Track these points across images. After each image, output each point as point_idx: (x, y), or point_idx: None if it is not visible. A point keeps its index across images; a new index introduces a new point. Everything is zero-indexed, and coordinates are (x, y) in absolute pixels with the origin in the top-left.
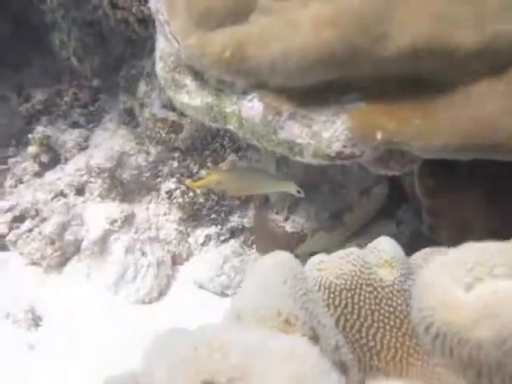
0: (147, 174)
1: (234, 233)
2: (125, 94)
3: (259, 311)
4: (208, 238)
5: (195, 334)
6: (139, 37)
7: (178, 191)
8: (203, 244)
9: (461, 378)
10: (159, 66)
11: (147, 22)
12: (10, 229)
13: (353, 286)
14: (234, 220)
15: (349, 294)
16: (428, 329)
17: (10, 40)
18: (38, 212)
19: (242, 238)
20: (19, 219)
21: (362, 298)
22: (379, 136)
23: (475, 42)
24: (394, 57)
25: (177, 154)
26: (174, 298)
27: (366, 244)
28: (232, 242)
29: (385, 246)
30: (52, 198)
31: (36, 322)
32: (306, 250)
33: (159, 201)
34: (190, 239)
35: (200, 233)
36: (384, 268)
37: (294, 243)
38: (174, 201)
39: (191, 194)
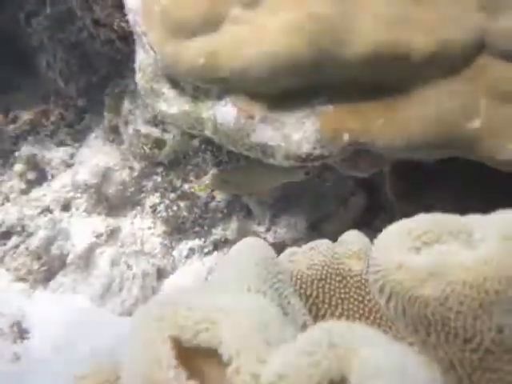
0: (132, 189)
1: (217, 245)
2: (110, 113)
3: (229, 285)
4: (192, 250)
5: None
6: (122, 55)
7: (161, 205)
8: (187, 257)
9: (414, 339)
10: (138, 76)
11: (128, 38)
12: None
13: (323, 276)
14: (217, 232)
15: (320, 284)
16: (382, 290)
17: None
18: (24, 228)
19: (225, 250)
20: (5, 236)
21: (332, 287)
22: (346, 137)
23: (428, 47)
24: (354, 61)
25: (160, 169)
26: None
27: None
28: (215, 254)
29: (353, 239)
30: (38, 214)
31: (22, 334)
32: None
33: (144, 215)
34: (175, 252)
35: (184, 246)
36: (352, 259)
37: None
38: (158, 215)
39: (175, 207)
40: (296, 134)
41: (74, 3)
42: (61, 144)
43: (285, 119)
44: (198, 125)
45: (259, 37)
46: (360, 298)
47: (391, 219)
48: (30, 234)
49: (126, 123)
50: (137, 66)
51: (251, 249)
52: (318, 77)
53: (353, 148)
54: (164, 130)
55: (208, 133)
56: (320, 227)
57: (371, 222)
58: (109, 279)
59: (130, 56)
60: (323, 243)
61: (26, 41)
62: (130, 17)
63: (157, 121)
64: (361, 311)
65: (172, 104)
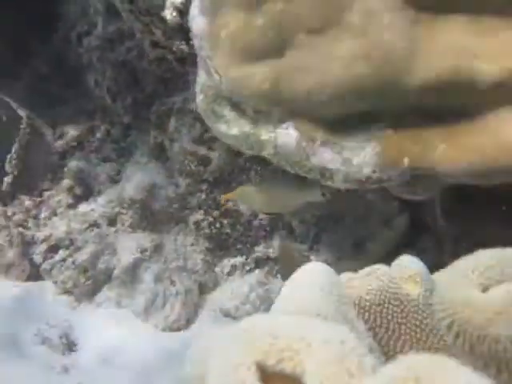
0: (176, 206)
1: (259, 263)
2: (156, 130)
3: (302, 310)
4: (234, 267)
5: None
6: (174, 74)
7: (205, 222)
8: (229, 274)
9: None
10: (199, 99)
11: (185, 59)
12: (45, 259)
13: (381, 301)
14: (260, 250)
15: (378, 309)
16: (450, 327)
17: (48, 80)
18: (72, 242)
19: (266, 268)
20: (53, 249)
21: (390, 312)
22: (406, 161)
23: (494, 74)
24: (419, 88)
25: (205, 186)
26: (201, 325)
27: None
28: (257, 271)
29: (408, 263)
30: (86, 228)
31: (70, 346)
32: None
33: (187, 231)
34: (217, 269)
35: (226, 263)
36: (409, 283)
37: None
38: (202, 232)
39: (218, 224)
40: (356, 157)
41: (126, 25)
42: (106, 160)
43: (345, 143)
44: (258, 146)
45: (324, 63)
46: (417, 323)
47: (434, 240)
48: (78, 248)
49: (172, 140)
50: (198, 88)
51: (316, 274)
52: (381, 102)
53: (412, 173)
54: (210, 148)
55: (266, 154)
56: (364, 247)
57: (414, 242)
58: (153, 294)
59: (181, 76)
60: (380, 268)
61: (76, 59)
62: (194, 41)
63: (203, 139)
64: (418, 335)
65: (232, 126)
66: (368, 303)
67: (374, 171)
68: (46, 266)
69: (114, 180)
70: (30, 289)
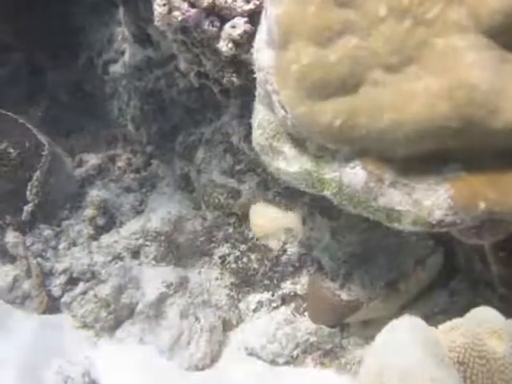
0: (202, 239)
1: (285, 299)
2: (182, 161)
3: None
4: (260, 304)
5: None
6: (203, 105)
7: (231, 256)
8: (255, 310)
9: None
10: (257, 133)
11: (229, 92)
12: (64, 291)
13: (465, 360)
14: (287, 287)
15: (461, 368)
16: None
17: (66, 107)
18: (94, 274)
19: (293, 305)
20: (73, 281)
21: (474, 371)
22: (482, 206)
23: None
24: (503, 130)
25: (233, 220)
26: (225, 364)
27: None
28: (283, 308)
29: (488, 316)
30: (110, 261)
31: None
32: (359, 318)
33: (211, 265)
34: (241, 305)
35: (252, 299)
36: (494, 339)
37: (348, 311)
38: (227, 266)
39: (245, 259)
40: (427, 200)
41: (154, 53)
42: (128, 190)
43: (415, 184)
44: (319, 185)
45: (401, 101)
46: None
47: (470, 283)
48: (100, 282)
49: (199, 172)
50: (255, 122)
51: (414, 330)
52: (458, 143)
53: (486, 217)
54: (240, 181)
55: (328, 193)
56: (396, 286)
57: (447, 282)
58: (178, 331)
59: (211, 107)
60: (462, 323)
61: (100, 87)
62: (259, 74)
63: (233, 171)
64: None
65: (292, 163)
66: (451, 361)
67: (446, 214)
68: (66, 298)
69: (137, 211)
70: (48, 322)
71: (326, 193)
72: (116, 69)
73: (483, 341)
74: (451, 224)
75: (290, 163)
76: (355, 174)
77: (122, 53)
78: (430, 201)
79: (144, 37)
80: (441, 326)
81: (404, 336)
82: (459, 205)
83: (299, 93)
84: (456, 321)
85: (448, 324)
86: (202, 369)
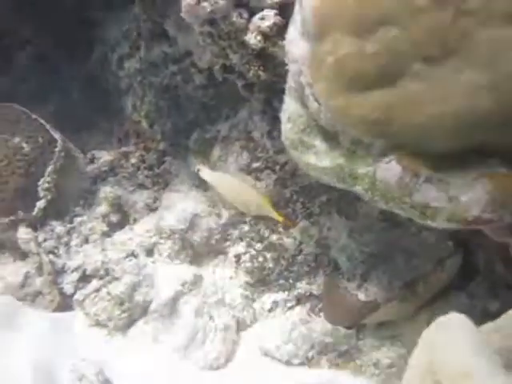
0: (217, 237)
1: (300, 299)
2: (197, 158)
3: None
4: (275, 304)
5: None
6: (219, 102)
7: (246, 255)
8: (270, 310)
9: None
10: (287, 127)
11: (253, 86)
12: (76, 289)
13: (510, 362)
14: (302, 286)
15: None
16: None
17: (77, 103)
18: (107, 272)
19: (308, 306)
20: (86, 279)
21: None
22: None
23: None
24: None
25: (249, 218)
26: (240, 364)
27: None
28: (298, 308)
29: None
30: (124, 258)
31: None
32: (375, 319)
33: (226, 264)
34: (256, 304)
35: (267, 298)
36: None
37: (365, 312)
38: (242, 265)
39: (260, 258)
40: (464, 195)
41: (171, 49)
42: (140, 186)
43: (452, 180)
44: (351, 180)
45: (442, 94)
46: None
47: (486, 285)
48: (113, 279)
49: (216, 169)
50: (285, 117)
51: (463, 327)
52: (499, 138)
53: None
54: (257, 179)
55: (360, 188)
56: (414, 288)
57: (467, 284)
58: (192, 330)
59: (237, 102)
60: (502, 325)
61: (113, 82)
62: (291, 66)
63: (250, 168)
64: None
65: (323, 157)
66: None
67: (483, 211)
68: (78, 296)
69: (151, 208)
70: (60, 320)
71: (358, 188)
72: (131, 64)
73: None
74: (488, 221)
75: (320, 158)
76: (390, 169)
77: (138, 48)
78: (467, 196)
79: (160, 32)
80: (481, 328)
81: (456, 334)
82: (497, 201)
83: (335, 85)
84: (495, 323)
85: (488, 325)
86: (217, 368)
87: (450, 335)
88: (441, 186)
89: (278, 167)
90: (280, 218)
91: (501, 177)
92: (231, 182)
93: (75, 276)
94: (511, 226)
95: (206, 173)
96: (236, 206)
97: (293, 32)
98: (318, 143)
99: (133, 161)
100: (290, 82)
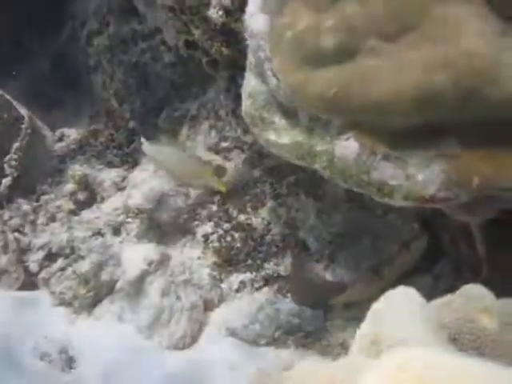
0: (185, 217)
1: (268, 280)
2: (166, 136)
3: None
4: (242, 284)
5: None
6: (188, 80)
7: (214, 235)
8: (237, 290)
9: None
10: (247, 104)
11: (217, 63)
12: (42, 267)
13: (456, 336)
14: (270, 267)
15: (452, 344)
16: None
17: (47, 80)
18: (73, 250)
19: (276, 286)
20: (51, 257)
21: (464, 348)
22: (476, 181)
23: None
24: (501, 102)
25: (217, 198)
26: (206, 344)
27: None
28: (266, 289)
29: (479, 293)
30: (90, 237)
31: (70, 363)
32: (342, 300)
33: (194, 244)
34: (223, 285)
35: (234, 279)
36: (484, 316)
37: (332, 293)
38: (210, 245)
39: (228, 238)
40: (421, 174)
41: (140, 26)
42: (109, 165)
43: (409, 158)
44: (310, 157)
45: (399, 71)
46: (493, 359)
47: (453, 267)
48: (79, 258)
49: (184, 149)
50: (245, 93)
51: (411, 300)
52: (455, 115)
53: (480, 193)
54: (225, 158)
55: (319, 166)
56: (381, 269)
57: (431, 266)
58: (158, 310)
59: (197, 82)
60: (454, 300)
61: (83, 59)
62: (251, 41)
63: (219, 148)
64: None
65: (282, 134)
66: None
67: (439, 189)
68: (43, 274)
69: (119, 187)
70: (25, 298)
71: (317, 166)
72: (100, 41)
73: (474, 317)
74: (444, 199)
75: (280, 135)
76: (347, 147)
77: (107, 24)
78: (424, 175)
79: (129, 8)
80: (432, 302)
81: (401, 306)
82: (453, 180)
83: (293, 60)
84: (447, 297)
85: (439, 300)
86: (182, 348)
87: (395, 307)
88: (398, 163)
89: (246, 147)
90: (223, 187)
91: (456, 156)
92: (174, 154)
93: (41, 254)
94: (467, 204)
95: (148, 147)
96: (180, 178)
97: (253, 6)
98: (278, 120)
99: (102, 139)
100: (250, 58)
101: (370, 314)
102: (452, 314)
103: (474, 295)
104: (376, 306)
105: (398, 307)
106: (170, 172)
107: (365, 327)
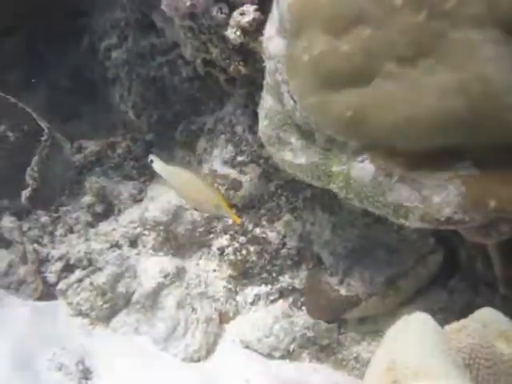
0: (201, 230)
1: (283, 293)
2: (182, 149)
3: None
4: (257, 297)
5: None
6: (206, 94)
7: (230, 248)
8: (252, 303)
9: None
10: (264, 124)
11: (235, 81)
12: (60, 278)
13: (471, 361)
14: (285, 280)
15: (468, 370)
16: None
17: (65, 93)
18: (91, 262)
19: (291, 299)
20: (69, 268)
21: (481, 373)
22: (492, 204)
23: None
24: None
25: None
26: (221, 357)
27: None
28: (281, 302)
29: (495, 317)
30: (107, 249)
31: (86, 375)
32: (357, 314)
33: (209, 257)
34: (238, 297)
35: (249, 292)
36: (500, 341)
37: (346, 307)
38: (226, 258)
39: (244, 251)
40: (437, 196)
41: (158, 40)
42: (126, 177)
43: (425, 180)
44: (326, 178)
45: (415, 94)
46: None
47: (469, 282)
48: (96, 270)
49: (200, 162)
50: (262, 113)
51: (426, 326)
52: (471, 139)
53: (496, 215)
54: (241, 172)
55: (335, 187)
56: (396, 284)
57: (446, 281)
58: (174, 322)
59: (214, 97)
60: (469, 324)
61: (101, 72)
62: (268, 63)
63: (235, 162)
64: None
65: (299, 155)
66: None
67: (455, 212)
68: (61, 285)
69: (136, 199)
70: (43, 309)
71: (333, 186)
72: (118, 55)
73: (490, 342)
74: (460, 222)
75: (296, 155)
76: (363, 168)
77: (125, 38)
78: (440, 197)
79: (148, 23)
80: (447, 327)
81: (417, 332)
82: (469, 202)
83: (310, 83)
84: (462, 322)
85: (455, 325)
86: (198, 360)
87: (410, 334)
88: (414, 185)
89: (262, 161)
90: (237, 220)
91: (472, 178)
92: (185, 176)
93: (59, 265)
94: (483, 226)
95: (159, 165)
96: (188, 203)
97: (270, 29)
98: (294, 140)
99: (119, 151)
100: (267, 79)
101: (384, 340)
102: (467, 339)
103: (489, 320)
104: (391, 332)
105: (413, 334)
106: (180, 195)
107: (380, 352)
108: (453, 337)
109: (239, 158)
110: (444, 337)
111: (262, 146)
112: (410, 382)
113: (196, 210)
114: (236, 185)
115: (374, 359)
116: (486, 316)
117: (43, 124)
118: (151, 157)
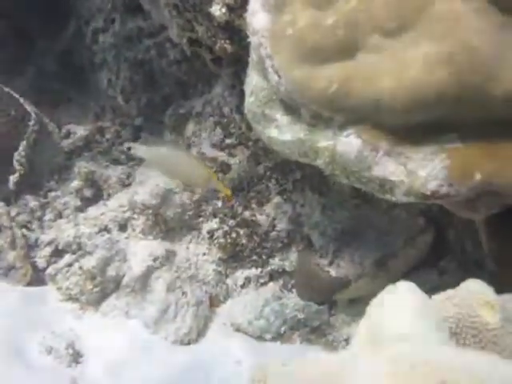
0: (190, 213)
1: (273, 276)
2: (171, 133)
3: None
4: (247, 280)
5: None
6: (195, 77)
7: (219, 231)
8: (242, 286)
9: None
10: (249, 101)
11: (221, 60)
12: (49, 263)
13: (458, 330)
14: (275, 263)
15: (453, 338)
16: None
17: (53, 77)
18: (80, 246)
19: (281, 282)
20: (58, 253)
21: (467, 342)
22: (478, 177)
23: None
24: (503, 99)
25: (222, 194)
26: (211, 339)
27: None
28: (271, 285)
29: (481, 287)
30: (96, 233)
31: (76, 358)
32: (346, 296)
33: (199, 240)
34: (229, 280)
35: (239, 274)
36: (486, 310)
37: (336, 288)
38: (215, 241)
39: (234, 234)
40: (422, 170)
41: (146, 23)
42: (115, 162)
43: (411, 154)
44: (312, 154)
45: (400, 67)
46: (495, 354)
47: (459, 263)
48: (86, 254)
49: (189, 145)
50: (248, 90)
51: (412, 293)
52: (457, 112)
53: (481, 189)
54: (230, 155)
55: (321, 162)
56: (386, 264)
57: (437, 262)
58: (164, 305)
59: (202, 79)
60: (456, 294)
61: (88, 57)
62: (253, 39)
63: (224, 145)
64: None
65: (284, 131)
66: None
67: (441, 185)
68: (50, 270)
69: (125, 183)
70: (32, 294)
71: (319, 162)
72: (105, 38)
73: (476, 311)
74: (446, 195)
75: (282, 131)
76: (349, 143)
77: (112, 22)
78: (425, 171)
79: (135, 6)
80: (434, 296)
81: (402, 300)
82: (455, 176)
83: (294, 57)
84: (449, 292)
85: (441, 294)
86: (188, 343)
87: (396, 301)
88: (399, 159)
89: (251, 143)
90: (228, 192)
91: (458, 152)
92: (173, 154)
93: (48, 250)
94: (470, 200)
95: (140, 149)
96: (177, 180)
97: (254, 3)
98: (280, 117)
99: (108, 136)
100: (252, 55)
101: (370, 309)
102: (453, 309)
103: (475, 290)
104: (376, 300)
105: (399, 302)
106: (169, 175)
107: (365, 321)
108: (440, 306)
109: (228, 141)
110: (431, 304)
111: (250, 128)
112: (390, 344)
113: (186, 186)
114: (225, 167)
115: (360, 328)
116: (473, 286)
117: (30, 109)
118: (126, 145)
